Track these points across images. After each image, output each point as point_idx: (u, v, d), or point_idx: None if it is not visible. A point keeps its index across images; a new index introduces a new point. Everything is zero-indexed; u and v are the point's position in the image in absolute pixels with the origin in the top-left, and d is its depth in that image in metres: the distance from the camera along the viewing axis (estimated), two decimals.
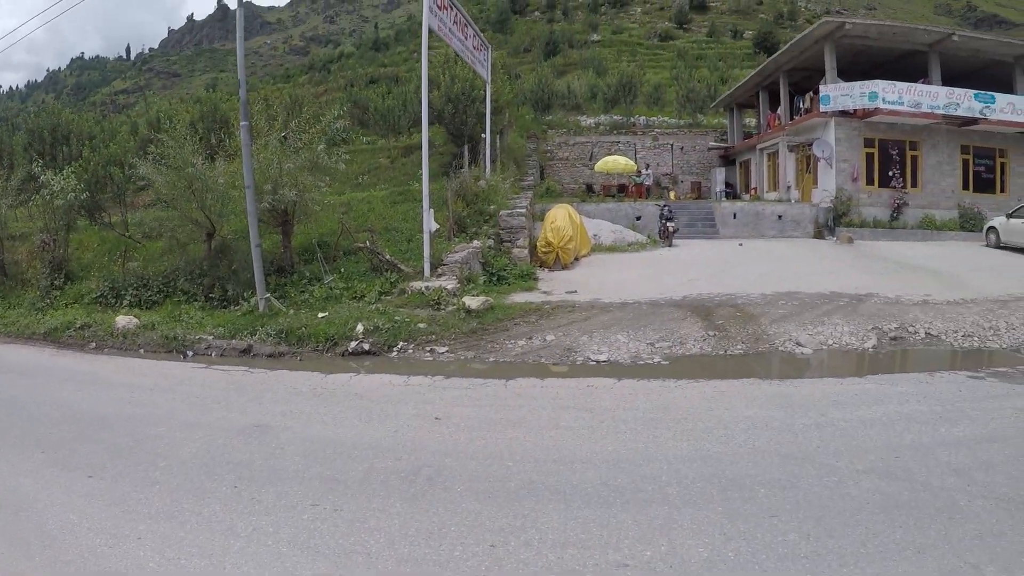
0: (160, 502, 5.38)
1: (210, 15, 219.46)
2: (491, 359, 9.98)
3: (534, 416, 7.09)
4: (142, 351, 12.14)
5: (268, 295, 13.04)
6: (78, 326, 13.59)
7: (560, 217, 17.86)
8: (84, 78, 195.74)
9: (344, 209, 18.41)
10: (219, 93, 25.61)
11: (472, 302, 11.89)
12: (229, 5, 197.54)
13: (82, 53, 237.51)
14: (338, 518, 4.94)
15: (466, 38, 17.41)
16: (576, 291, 14.11)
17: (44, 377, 10.59)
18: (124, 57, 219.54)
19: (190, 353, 11.55)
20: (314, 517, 4.96)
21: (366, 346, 10.71)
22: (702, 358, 9.74)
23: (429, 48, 14.50)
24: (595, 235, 21.53)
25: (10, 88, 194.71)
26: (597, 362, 9.53)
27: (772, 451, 5.87)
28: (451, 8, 15.75)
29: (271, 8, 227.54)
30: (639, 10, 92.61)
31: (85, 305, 15.56)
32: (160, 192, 15.01)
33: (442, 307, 12.13)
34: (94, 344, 12.89)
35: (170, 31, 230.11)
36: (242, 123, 12.95)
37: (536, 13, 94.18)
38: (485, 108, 21.50)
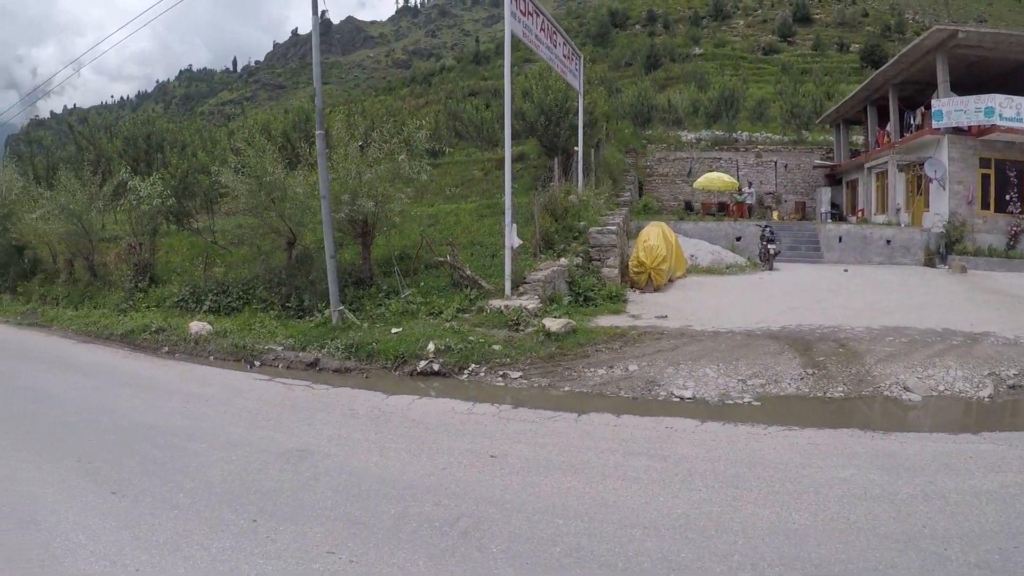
0: (173, 530, 4.95)
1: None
2: (566, 388, 9.14)
3: (600, 461, 6.21)
4: (211, 358, 11.97)
5: (342, 307, 12.56)
6: (153, 329, 13.58)
7: (653, 236, 16.80)
8: (192, 89, 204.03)
9: (431, 221, 17.91)
10: (309, 104, 25.51)
11: (552, 324, 11.04)
12: (332, 20, 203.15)
13: (190, 65, 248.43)
14: (351, 573, 4.30)
15: (555, 46, 16.59)
16: (667, 316, 13.07)
17: (106, 379, 10.48)
18: (231, 69, 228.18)
19: (257, 363, 11.22)
20: (325, 568, 4.34)
21: (435, 367, 10.03)
22: (798, 400, 8.60)
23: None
24: (692, 256, 20.44)
25: (121, 98, 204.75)
26: (681, 398, 8.53)
27: (869, 529, 4.79)
28: (536, 14, 14.92)
29: (373, 22, 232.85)
30: (742, 23, 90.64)
31: (166, 308, 15.59)
32: (241, 200, 14.74)
33: (521, 328, 11.32)
34: (167, 348, 12.82)
35: (275, 44, 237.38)
36: (317, 132, 12.58)
37: (637, 27, 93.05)
38: (578, 120, 20.62)
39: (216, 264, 16.92)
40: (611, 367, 9.75)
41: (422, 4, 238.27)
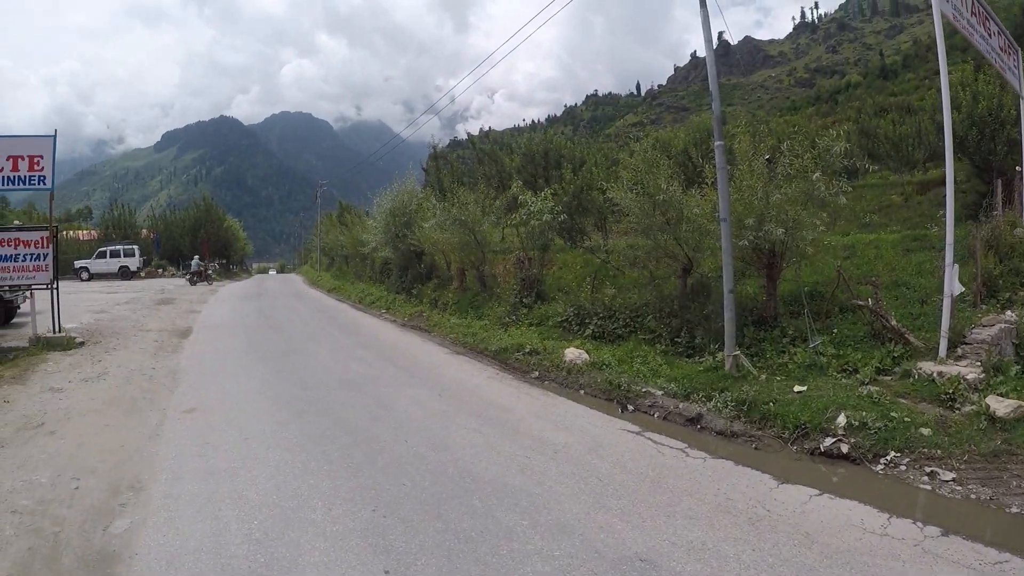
0: None
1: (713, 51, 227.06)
2: (1015, 509, 6.29)
3: None
4: (582, 392, 11.03)
5: (737, 352, 10.69)
6: (527, 351, 13.14)
7: None
8: (598, 113, 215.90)
9: (846, 253, 15.32)
10: (703, 116, 24.01)
11: (999, 405, 8.01)
12: (729, 41, 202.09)
13: (596, 90, 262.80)
14: None
15: (989, 36, 12.96)
16: None
17: (459, 405, 9.97)
18: (635, 93, 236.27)
19: (630, 407, 9.98)
20: None
21: (844, 447, 7.79)
22: None
23: (935, 72, 10.69)
24: None
25: (532, 121, 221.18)
26: None
27: None
28: None
29: (771, 41, 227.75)
30: None
31: (548, 328, 15.08)
32: (633, 219, 13.56)
33: (956, 406, 8.47)
34: (537, 373, 12.24)
35: (676, 68, 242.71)
36: (716, 143, 10.96)
37: None
38: (1019, 132, 16.22)
39: (606, 286, 15.98)
40: None
41: (820, 19, 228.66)
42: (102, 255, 51.69)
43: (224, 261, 70.98)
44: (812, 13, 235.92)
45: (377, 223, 28.04)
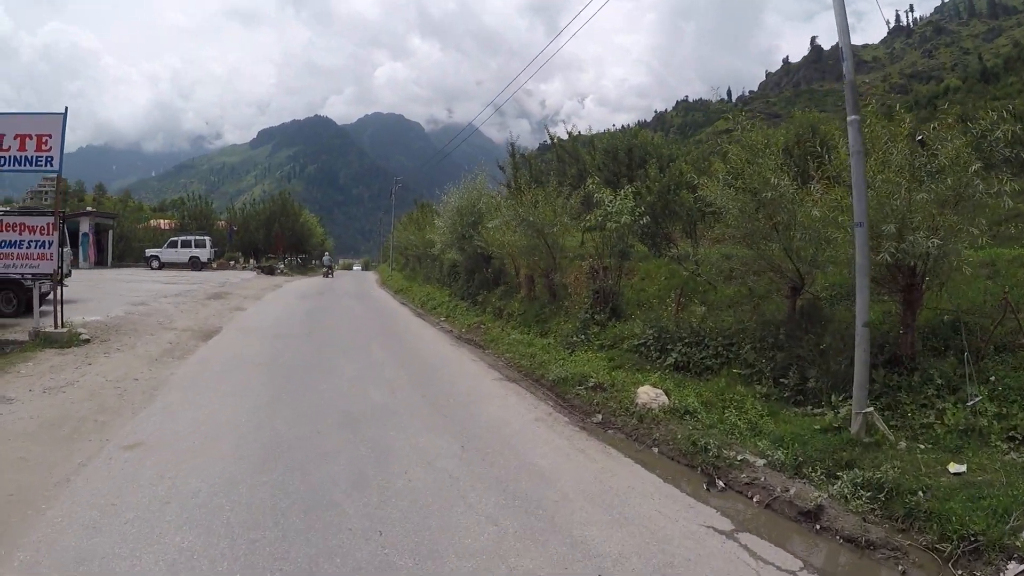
0: None
1: (804, 57, 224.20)
2: None
3: None
4: (656, 450, 8.29)
5: (870, 409, 7.78)
6: (591, 384, 10.50)
7: None
8: (689, 119, 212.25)
9: (986, 272, 11.85)
10: (813, 113, 20.95)
11: None
12: (822, 46, 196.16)
13: (686, 96, 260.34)
14: None
15: None
16: None
17: (480, 467, 7.35)
18: (726, 99, 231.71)
19: (719, 484, 7.21)
20: None
21: None
22: None
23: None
24: None
25: (622, 127, 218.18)
26: None
27: None
28: None
29: (865, 46, 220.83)
30: None
31: (622, 352, 12.45)
32: (731, 223, 10.82)
33: None
34: (600, 417, 9.52)
35: (767, 74, 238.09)
36: (849, 118, 8.23)
37: None
38: None
39: (694, 303, 13.30)
40: None
41: (914, 23, 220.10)
42: (173, 244, 52.00)
43: (306, 256, 71.21)
44: (907, 17, 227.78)
45: (444, 222, 26.00)
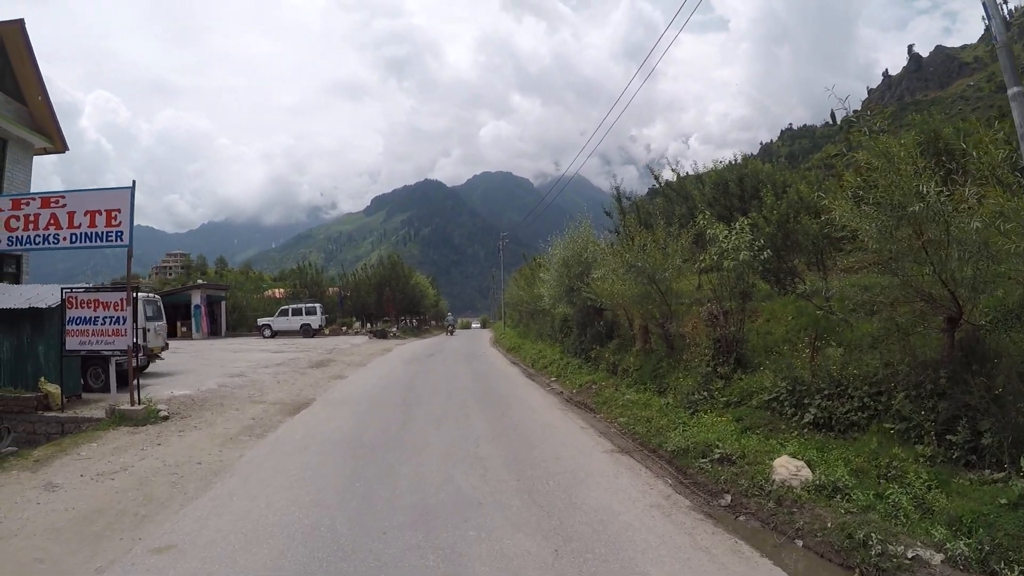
0: None
1: (904, 67, 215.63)
2: None
3: None
4: (799, 543, 6.44)
5: None
6: (717, 456, 8.80)
7: None
8: (795, 147, 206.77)
9: None
10: (937, 117, 18.78)
11: None
12: (920, 54, 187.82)
13: (790, 124, 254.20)
14: None
15: None
16: None
17: None
18: (830, 123, 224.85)
19: None
20: None
21: None
22: None
23: None
24: None
25: (729, 162, 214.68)
26: None
27: None
28: None
29: (964, 47, 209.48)
30: None
31: (751, 409, 10.68)
32: (868, 245, 8.86)
33: None
34: (729, 499, 7.74)
35: (869, 91, 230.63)
36: (1011, 89, 6.78)
37: None
38: None
39: (830, 343, 11.12)
40: None
41: (1011, 14, 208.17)
42: (284, 313, 53.12)
43: (420, 317, 72.41)
44: (1004, 8, 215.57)
45: (550, 275, 24.70)
